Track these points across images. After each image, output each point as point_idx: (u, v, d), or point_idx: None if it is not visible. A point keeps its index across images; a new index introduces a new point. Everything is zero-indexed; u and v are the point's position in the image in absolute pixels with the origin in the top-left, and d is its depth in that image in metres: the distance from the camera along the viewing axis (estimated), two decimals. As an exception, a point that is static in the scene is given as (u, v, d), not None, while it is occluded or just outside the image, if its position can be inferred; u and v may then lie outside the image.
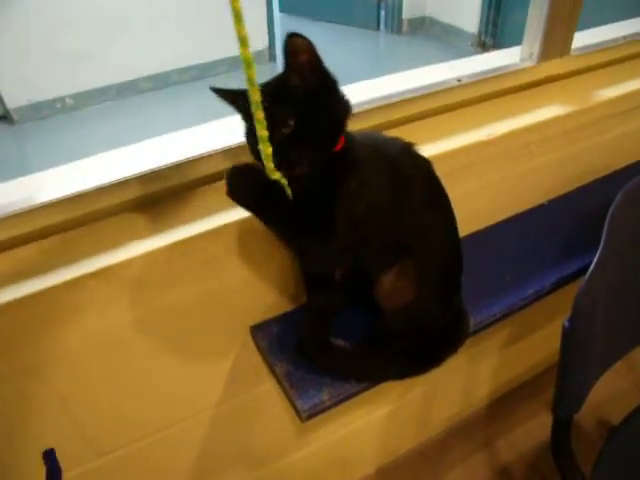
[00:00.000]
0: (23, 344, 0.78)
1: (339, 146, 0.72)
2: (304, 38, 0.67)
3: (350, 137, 0.75)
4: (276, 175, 0.68)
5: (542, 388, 1.73)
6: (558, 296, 1.07)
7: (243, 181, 0.72)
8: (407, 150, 0.82)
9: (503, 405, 1.72)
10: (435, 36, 5.30)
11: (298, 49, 0.67)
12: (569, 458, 1.04)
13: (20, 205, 0.79)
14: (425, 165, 0.83)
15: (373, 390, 0.91)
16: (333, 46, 5.18)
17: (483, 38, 4.82)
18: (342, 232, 0.72)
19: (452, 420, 1.66)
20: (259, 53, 4.71)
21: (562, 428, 1.05)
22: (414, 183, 0.81)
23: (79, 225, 0.83)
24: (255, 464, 1.27)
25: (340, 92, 0.72)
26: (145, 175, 0.85)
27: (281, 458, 1.30)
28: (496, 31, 4.75)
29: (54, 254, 0.79)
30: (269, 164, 0.67)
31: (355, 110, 0.98)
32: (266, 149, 0.66)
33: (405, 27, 5.37)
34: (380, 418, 1.42)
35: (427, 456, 1.62)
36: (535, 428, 1.67)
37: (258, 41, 4.68)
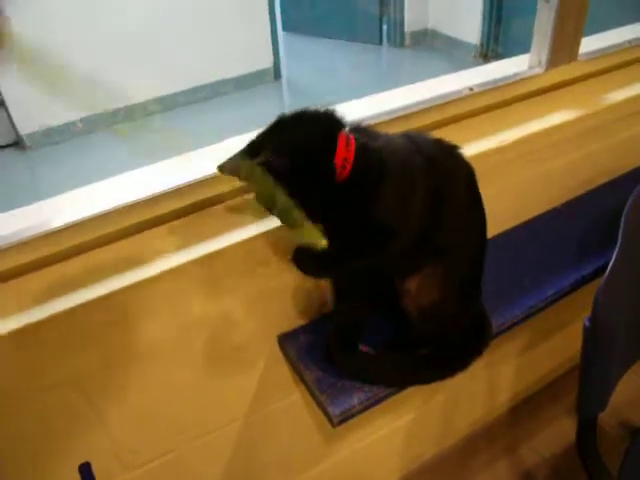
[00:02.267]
0: (67, 356, 0.80)
1: (345, 172, 0.73)
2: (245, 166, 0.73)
3: (369, 149, 0.75)
4: (322, 243, 0.75)
5: (563, 392, 1.73)
6: (575, 299, 1.09)
7: (304, 257, 0.79)
8: (451, 152, 0.83)
9: (525, 410, 1.72)
10: (438, 49, 5.34)
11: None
12: (595, 458, 1.04)
13: (38, 229, 0.82)
14: (468, 168, 0.84)
15: (397, 397, 0.92)
16: (337, 62, 5.24)
17: (485, 49, 4.85)
18: (400, 227, 0.76)
19: (474, 426, 1.66)
20: (264, 72, 4.77)
21: (587, 428, 1.05)
22: (456, 184, 0.82)
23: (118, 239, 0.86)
24: (283, 475, 1.28)
25: (319, 132, 0.74)
26: (166, 193, 0.88)
27: (309, 468, 1.30)
28: (498, 42, 4.78)
29: (84, 273, 0.81)
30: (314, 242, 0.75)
31: (371, 122, 1.02)
32: (307, 234, 0.75)
33: (408, 40, 5.41)
34: (403, 426, 1.43)
35: (450, 463, 1.61)
36: (558, 432, 1.67)
37: (263, 60, 4.74)
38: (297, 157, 0.72)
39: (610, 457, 1.04)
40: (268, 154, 0.71)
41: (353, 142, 0.74)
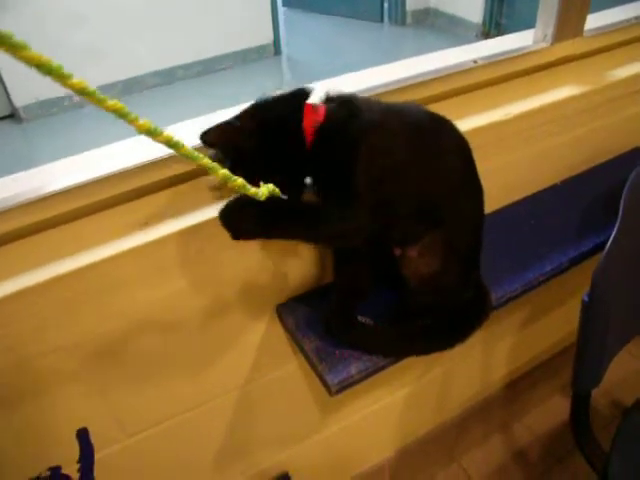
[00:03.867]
0: (58, 324, 0.80)
1: (310, 136, 0.74)
2: (211, 131, 0.74)
3: (343, 113, 0.75)
4: (264, 193, 0.71)
5: (557, 370, 1.74)
6: (574, 276, 1.09)
7: (241, 217, 0.75)
8: (442, 124, 0.83)
9: (519, 387, 1.73)
10: (439, 27, 5.30)
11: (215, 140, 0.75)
12: (588, 435, 1.05)
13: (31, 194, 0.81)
14: (461, 139, 0.84)
15: (394, 369, 0.92)
16: (338, 39, 5.20)
17: (488, 28, 4.81)
18: (363, 196, 0.74)
19: (469, 402, 1.67)
20: (264, 47, 4.73)
21: (581, 404, 1.06)
22: (449, 156, 0.82)
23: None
24: (280, 445, 1.28)
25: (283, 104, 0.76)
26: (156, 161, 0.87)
27: (304, 439, 1.31)
28: (500, 20, 4.74)
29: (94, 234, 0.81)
30: (249, 192, 0.70)
31: (373, 92, 1.01)
32: (233, 184, 0.68)
33: (409, 19, 5.36)
34: (399, 400, 1.43)
35: (445, 438, 1.63)
36: (551, 410, 1.69)
37: (263, 35, 4.70)
38: (264, 122, 0.75)
39: (602, 436, 1.05)
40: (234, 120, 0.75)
41: (323, 109, 0.75)
